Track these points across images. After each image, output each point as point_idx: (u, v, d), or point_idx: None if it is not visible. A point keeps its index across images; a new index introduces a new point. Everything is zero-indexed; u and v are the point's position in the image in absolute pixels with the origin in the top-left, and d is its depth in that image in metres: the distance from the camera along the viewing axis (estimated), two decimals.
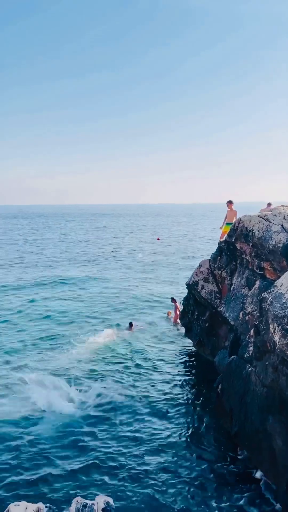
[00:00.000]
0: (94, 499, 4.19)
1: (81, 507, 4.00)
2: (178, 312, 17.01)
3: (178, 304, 17.38)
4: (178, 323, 16.68)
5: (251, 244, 11.04)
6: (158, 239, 55.02)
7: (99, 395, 10.94)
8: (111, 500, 4.14)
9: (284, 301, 7.22)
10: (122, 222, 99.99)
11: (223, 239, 13.23)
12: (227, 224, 13.73)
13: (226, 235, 13.06)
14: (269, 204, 14.80)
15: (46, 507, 4.00)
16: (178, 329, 16.62)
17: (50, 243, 51.91)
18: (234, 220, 13.56)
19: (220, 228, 14.33)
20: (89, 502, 4.08)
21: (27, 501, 4.20)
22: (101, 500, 4.14)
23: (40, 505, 3.98)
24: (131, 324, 16.98)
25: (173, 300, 18.38)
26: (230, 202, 14.03)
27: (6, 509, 4.08)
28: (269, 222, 10.63)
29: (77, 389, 11.15)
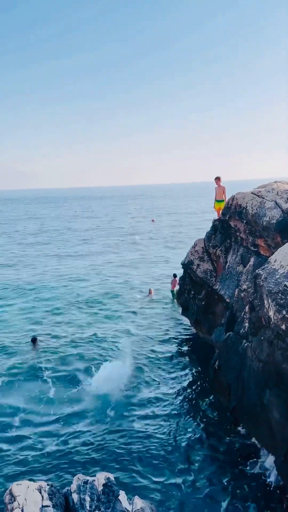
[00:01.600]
0: (94, 476, 4.28)
1: (82, 484, 4.09)
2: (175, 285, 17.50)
3: (176, 280, 17.75)
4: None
5: (245, 221, 11.03)
6: (153, 221, 54.87)
7: (98, 375, 11.08)
8: (111, 476, 4.24)
9: (277, 276, 7.26)
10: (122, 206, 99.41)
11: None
12: (217, 201, 13.64)
13: (220, 212, 13.03)
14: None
15: (48, 485, 4.08)
16: (176, 308, 16.70)
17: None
18: (223, 196, 13.51)
19: (214, 207, 14.27)
20: (90, 478, 4.17)
21: (29, 480, 4.31)
22: (102, 476, 4.23)
23: (42, 483, 4.06)
24: (150, 291, 18.87)
25: (174, 276, 18.63)
26: (217, 179, 13.88)
27: (9, 488, 4.17)
28: (263, 198, 10.61)
29: (77, 369, 11.33)
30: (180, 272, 15.63)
